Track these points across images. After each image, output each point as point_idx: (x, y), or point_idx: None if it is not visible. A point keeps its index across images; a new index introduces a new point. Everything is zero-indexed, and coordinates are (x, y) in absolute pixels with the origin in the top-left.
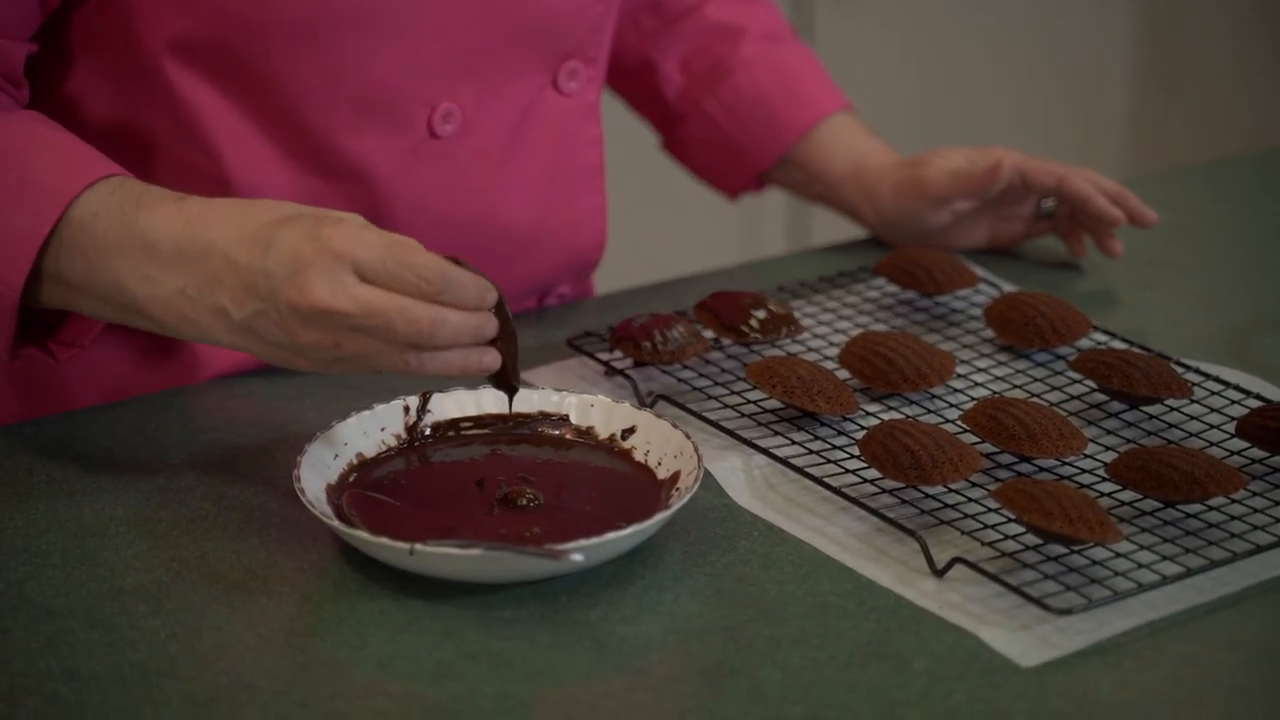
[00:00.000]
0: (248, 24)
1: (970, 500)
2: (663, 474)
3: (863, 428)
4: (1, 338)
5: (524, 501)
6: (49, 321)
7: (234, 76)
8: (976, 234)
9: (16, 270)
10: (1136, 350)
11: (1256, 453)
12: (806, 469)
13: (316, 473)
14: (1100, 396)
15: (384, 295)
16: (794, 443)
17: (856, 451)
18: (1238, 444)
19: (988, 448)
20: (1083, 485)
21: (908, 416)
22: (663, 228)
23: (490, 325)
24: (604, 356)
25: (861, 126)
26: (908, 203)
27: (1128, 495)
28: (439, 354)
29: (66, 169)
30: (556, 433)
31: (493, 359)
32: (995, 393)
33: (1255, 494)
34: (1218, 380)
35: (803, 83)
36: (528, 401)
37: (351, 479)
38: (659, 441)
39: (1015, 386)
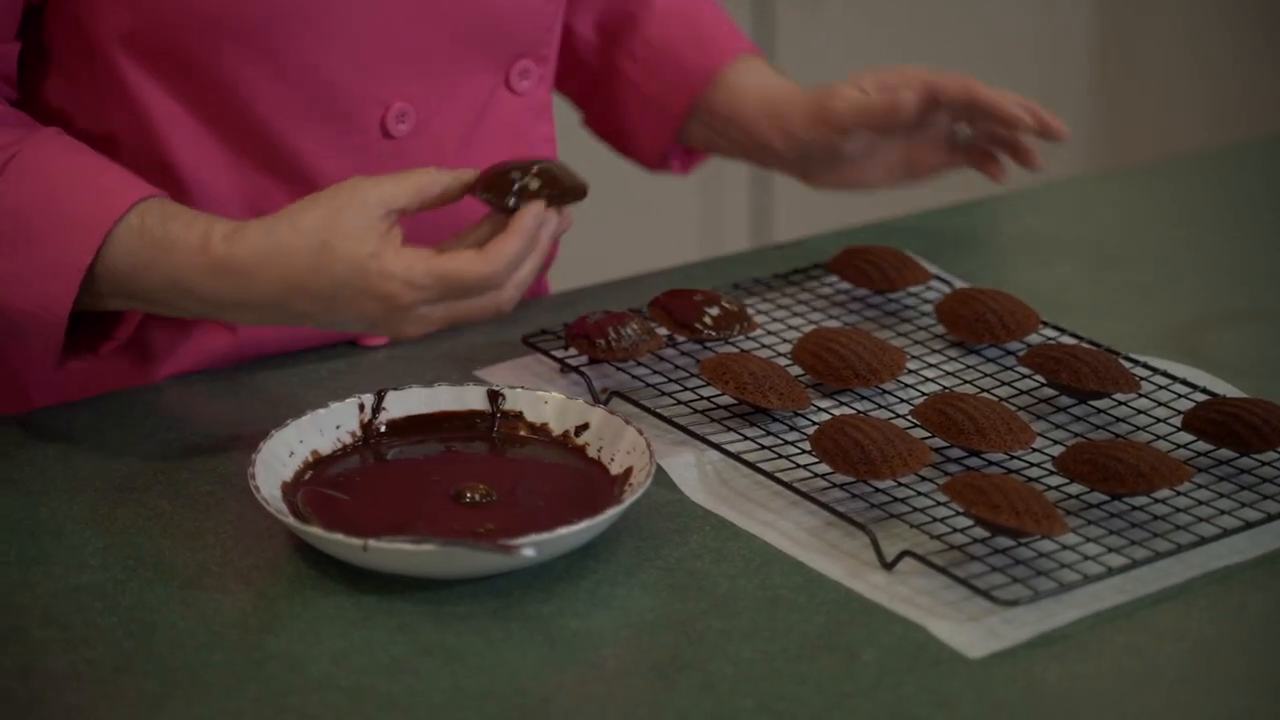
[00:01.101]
0: (194, 20)
1: (919, 494)
2: (616, 470)
3: (814, 423)
4: (50, 354)
5: (478, 497)
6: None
7: (184, 74)
8: (893, 164)
9: (61, 298)
10: (1085, 345)
11: (1202, 445)
12: (758, 464)
13: (271, 470)
14: (1049, 391)
15: (457, 308)
16: (746, 438)
17: (808, 447)
18: (1184, 437)
19: (937, 442)
20: (1030, 479)
21: (859, 412)
22: (620, 227)
23: (541, 248)
24: (559, 354)
25: (770, 68)
26: (820, 133)
27: (1075, 488)
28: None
29: (98, 197)
30: (510, 429)
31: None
32: (945, 388)
33: (1200, 486)
34: (1165, 375)
35: (712, 28)
36: (481, 399)
37: (307, 476)
38: (612, 438)
39: (965, 382)
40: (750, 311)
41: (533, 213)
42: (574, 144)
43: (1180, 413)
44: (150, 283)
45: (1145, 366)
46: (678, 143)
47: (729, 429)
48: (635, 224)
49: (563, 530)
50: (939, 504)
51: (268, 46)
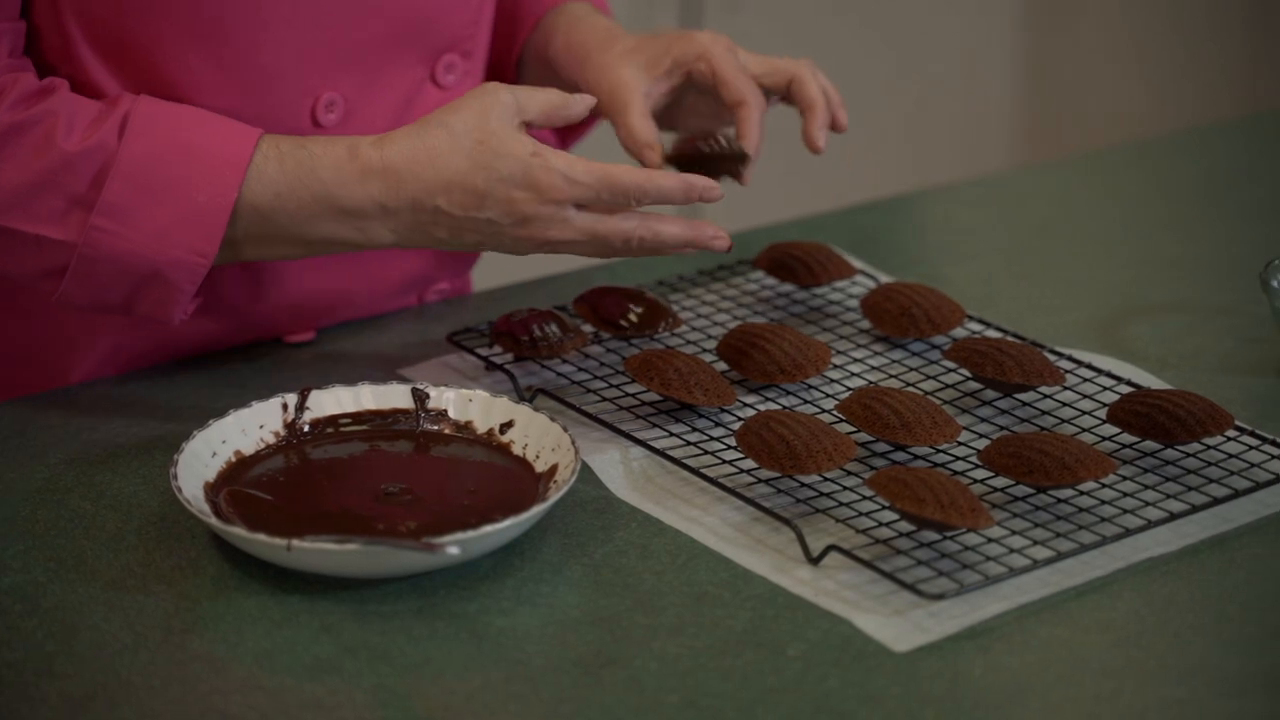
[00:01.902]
0: (137, 5)
1: (845, 489)
2: (541, 467)
3: (740, 419)
4: (182, 303)
5: (401, 495)
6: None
7: (125, 53)
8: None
9: (208, 241)
10: (1010, 339)
11: (1127, 438)
12: (683, 460)
13: (194, 471)
14: (975, 385)
15: (603, 221)
16: (671, 434)
17: (733, 443)
18: (1109, 429)
19: (863, 437)
20: (956, 472)
21: (785, 407)
22: None
23: (699, 227)
24: (483, 352)
25: (595, 11)
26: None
27: (1000, 481)
28: (641, 252)
29: (224, 137)
30: (435, 428)
31: (719, 240)
32: (871, 382)
33: (1125, 478)
34: (1090, 367)
35: None
36: (405, 397)
37: (230, 476)
38: (537, 435)
39: (891, 376)
40: (676, 308)
41: (706, 183)
42: None
43: (1105, 405)
44: (293, 205)
45: (1070, 359)
46: None
47: (655, 425)
48: None
49: (487, 528)
50: (864, 498)
51: (207, 32)
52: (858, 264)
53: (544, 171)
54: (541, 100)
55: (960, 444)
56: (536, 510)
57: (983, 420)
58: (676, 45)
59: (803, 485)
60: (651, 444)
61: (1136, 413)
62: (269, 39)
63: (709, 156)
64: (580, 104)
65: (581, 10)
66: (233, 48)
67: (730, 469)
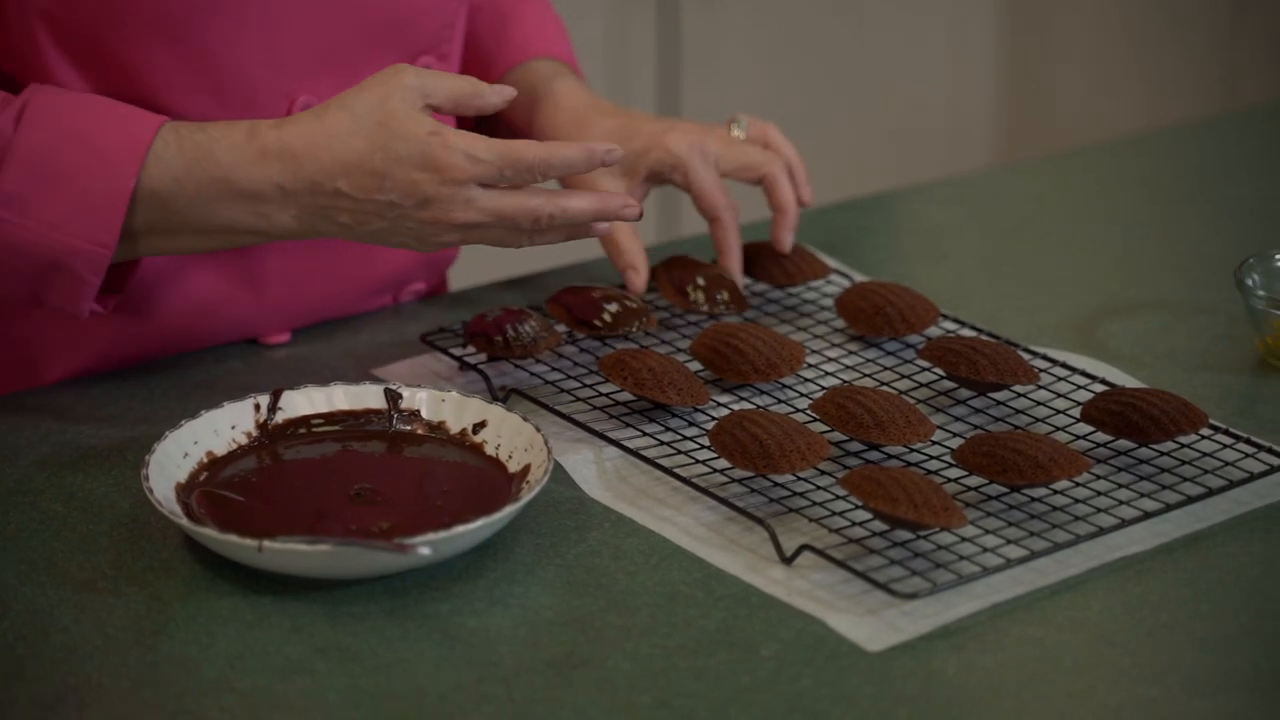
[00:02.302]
0: (106, 6)
1: (818, 488)
2: (514, 467)
3: (714, 418)
4: (88, 294)
5: (374, 496)
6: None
7: (94, 56)
8: None
9: (107, 230)
10: (984, 338)
11: (1101, 436)
12: (657, 460)
13: (165, 472)
14: (949, 384)
15: (507, 198)
16: (645, 434)
17: (707, 442)
18: (1083, 428)
19: (837, 436)
20: (930, 472)
21: (759, 407)
22: None
23: (607, 199)
24: (457, 352)
25: (562, 70)
26: None
27: (974, 480)
28: (549, 231)
29: (123, 124)
30: (408, 428)
31: (600, 228)
32: (845, 382)
33: (1099, 477)
34: (1064, 366)
35: (517, 27)
36: (377, 398)
37: (202, 477)
38: (510, 435)
39: (865, 375)
40: (650, 307)
41: (606, 146)
42: None
43: (1079, 404)
44: (192, 189)
45: (1044, 358)
46: None
47: (628, 425)
48: None
49: (459, 529)
50: (838, 498)
51: (177, 34)
52: (832, 263)
53: (443, 150)
54: (451, 86)
55: (934, 443)
56: (509, 510)
57: (957, 419)
58: (652, 154)
59: (776, 485)
60: (625, 444)
61: (1110, 411)
62: (239, 41)
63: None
64: (495, 95)
65: (554, 82)
66: (203, 51)
67: (704, 469)
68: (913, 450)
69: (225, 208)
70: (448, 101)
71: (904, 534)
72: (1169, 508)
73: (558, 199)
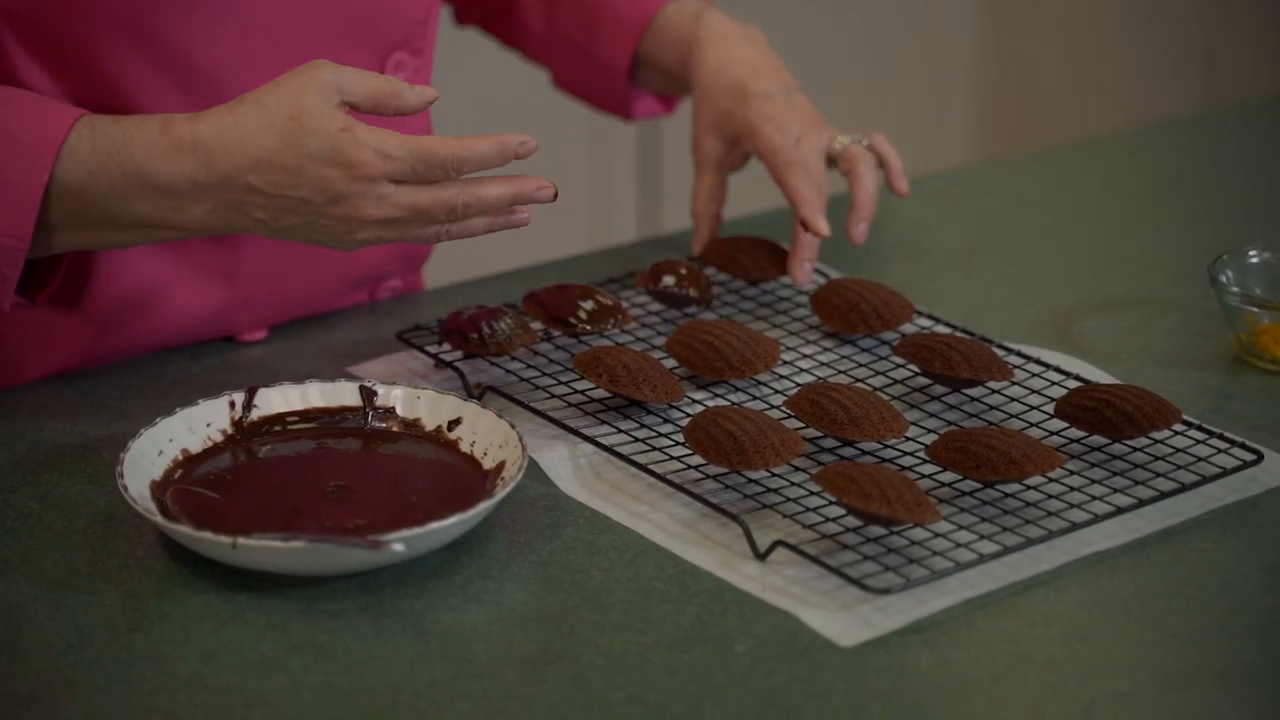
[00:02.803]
0: (69, 4)
1: (792, 484)
2: (488, 464)
3: (689, 415)
4: (5, 290)
5: (348, 493)
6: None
7: (63, 58)
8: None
9: (22, 223)
10: (958, 334)
11: (1074, 432)
12: (632, 457)
13: (140, 469)
14: (923, 380)
15: (420, 193)
16: (620, 431)
17: (681, 439)
18: (1057, 424)
19: (811, 432)
20: (904, 468)
21: (733, 403)
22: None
23: (520, 182)
24: (433, 349)
25: (699, 6)
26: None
27: (948, 476)
28: (469, 222)
29: (40, 118)
30: (383, 425)
31: (521, 218)
32: (820, 378)
33: (1072, 473)
34: (1038, 362)
35: None
36: (353, 395)
37: (177, 475)
38: (485, 432)
39: (839, 372)
40: (625, 305)
41: (519, 138)
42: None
43: (1053, 400)
44: (105, 183)
45: (1018, 354)
46: (643, 90)
47: (603, 422)
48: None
49: (434, 525)
50: (812, 494)
51: (143, 32)
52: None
53: (354, 147)
54: (370, 85)
55: (908, 439)
56: (483, 507)
57: (931, 415)
58: (760, 140)
59: (750, 481)
60: (600, 440)
61: (1084, 407)
62: (207, 39)
63: (675, 295)
64: (415, 96)
65: (704, 20)
66: (171, 49)
67: (678, 465)
68: (887, 446)
69: (139, 202)
70: (366, 100)
71: (878, 530)
72: (1142, 503)
73: (471, 187)
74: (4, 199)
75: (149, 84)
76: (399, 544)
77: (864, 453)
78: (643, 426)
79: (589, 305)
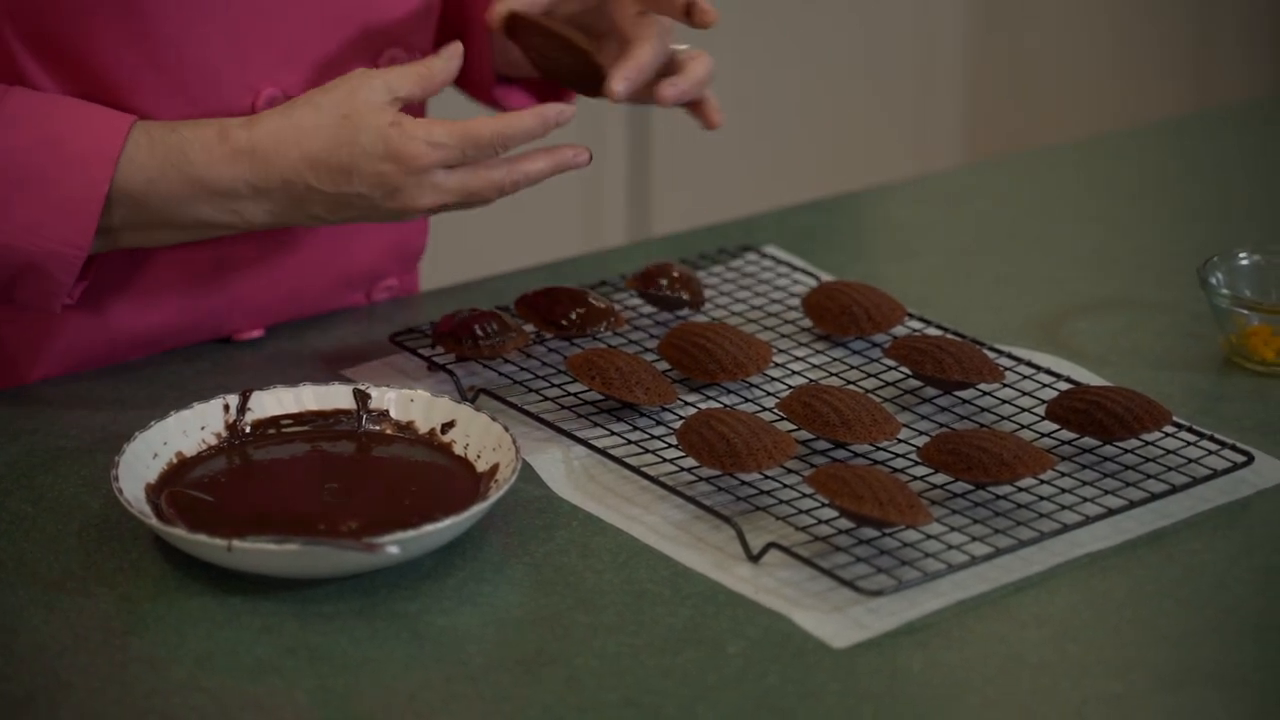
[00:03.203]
0: (67, 3)
1: (785, 486)
2: (482, 466)
3: (681, 418)
4: (61, 294)
5: (343, 495)
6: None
7: (63, 58)
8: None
9: (81, 232)
10: (950, 337)
11: (1065, 434)
12: (625, 459)
13: (135, 472)
14: (915, 383)
15: (471, 175)
16: (613, 433)
17: (674, 441)
18: (1047, 426)
19: (804, 435)
20: (896, 470)
21: (726, 406)
22: (497, 223)
23: (558, 153)
24: (426, 352)
25: None
26: None
27: (940, 478)
28: (530, 169)
29: (95, 126)
30: (376, 428)
31: (580, 159)
32: (812, 380)
33: (1063, 474)
34: (1029, 364)
35: None
36: (346, 398)
37: (171, 478)
38: (478, 434)
39: (831, 374)
40: (618, 308)
41: (556, 108)
42: None
43: (1044, 402)
44: (165, 190)
45: (1009, 357)
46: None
47: (596, 425)
48: (514, 220)
49: (428, 528)
50: (804, 496)
51: (139, 31)
52: (798, 263)
53: (405, 141)
54: (411, 76)
55: (900, 441)
56: (477, 509)
57: (922, 418)
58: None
59: (743, 483)
60: (593, 443)
61: (1075, 409)
62: (202, 36)
63: (667, 298)
64: (444, 63)
65: None
66: (166, 46)
67: (671, 467)
68: (879, 449)
69: (200, 205)
70: (415, 89)
71: (870, 532)
72: (1133, 505)
73: (518, 166)
74: (63, 209)
75: (144, 80)
76: (393, 546)
77: (856, 455)
78: (635, 429)
79: (581, 308)
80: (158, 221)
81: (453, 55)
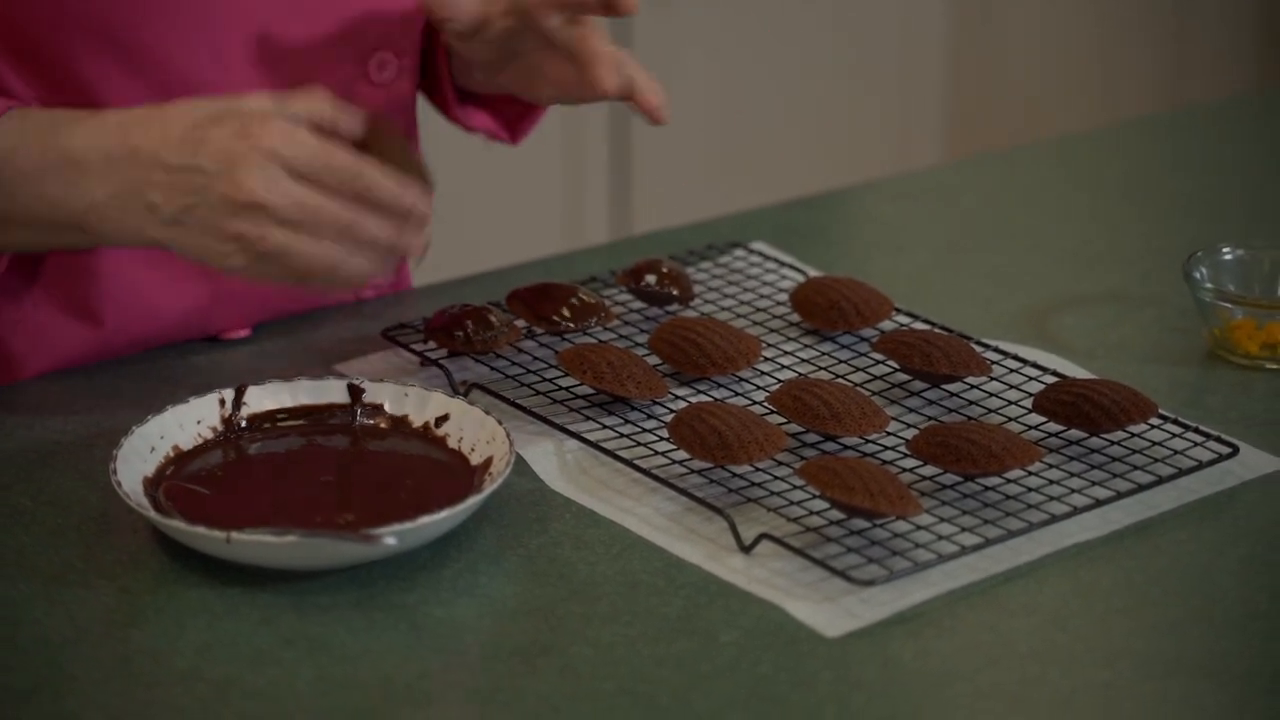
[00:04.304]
0: (43, 11)
1: (776, 478)
2: (476, 460)
3: (672, 411)
4: None
5: (339, 488)
6: None
7: (43, 68)
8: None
9: None
10: (937, 331)
11: (1052, 426)
12: (617, 452)
13: (133, 466)
14: (903, 376)
15: (310, 192)
16: (605, 427)
17: (666, 434)
18: (1035, 419)
19: (794, 428)
20: (885, 462)
21: (716, 399)
22: (481, 220)
23: (408, 225)
24: (419, 347)
25: None
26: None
27: (929, 470)
28: (355, 260)
29: None
30: (371, 422)
31: (390, 267)
32: (801, 374)
33: (1051, 466)
34: (1016, 358)
35: None
36: (341, 393)
37: (169, 471)
38: (472, 428)
39: (820, 369)
40: (609, 303)
41: (415, 200)
42: (440, 140)
43: (1031, 395)
44: (24, 161)
45: (997, 350)
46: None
47: (588, 418)
48: (496, 217)
49: (424, 520)
50: (795, 488)
51: (122, 41)
52: (787, 258)
53: (260, 120)
54: (313, 105)
55: (889, 434)
56: (472, 502)
57: (911, 410)
58: None
59: (734, 475)
60: (585, 436)
61: (1062, 402)
62: (181, 44)
63: (657, 293)
64: (349, 122)
65: None
66: (149, 58)
67: (663, 460)
68: (868, 441)
69: (47, 180)
70: (307, 115)
71: (861, 522)
72: (1119, 496)
73: (362, 217)
74: None
75: (127, 91)
76: (390, 538)
77: (846, 447)
78: (627, 422)
79: (572, 303)
80: (9, 208)
81: (353, 121)
